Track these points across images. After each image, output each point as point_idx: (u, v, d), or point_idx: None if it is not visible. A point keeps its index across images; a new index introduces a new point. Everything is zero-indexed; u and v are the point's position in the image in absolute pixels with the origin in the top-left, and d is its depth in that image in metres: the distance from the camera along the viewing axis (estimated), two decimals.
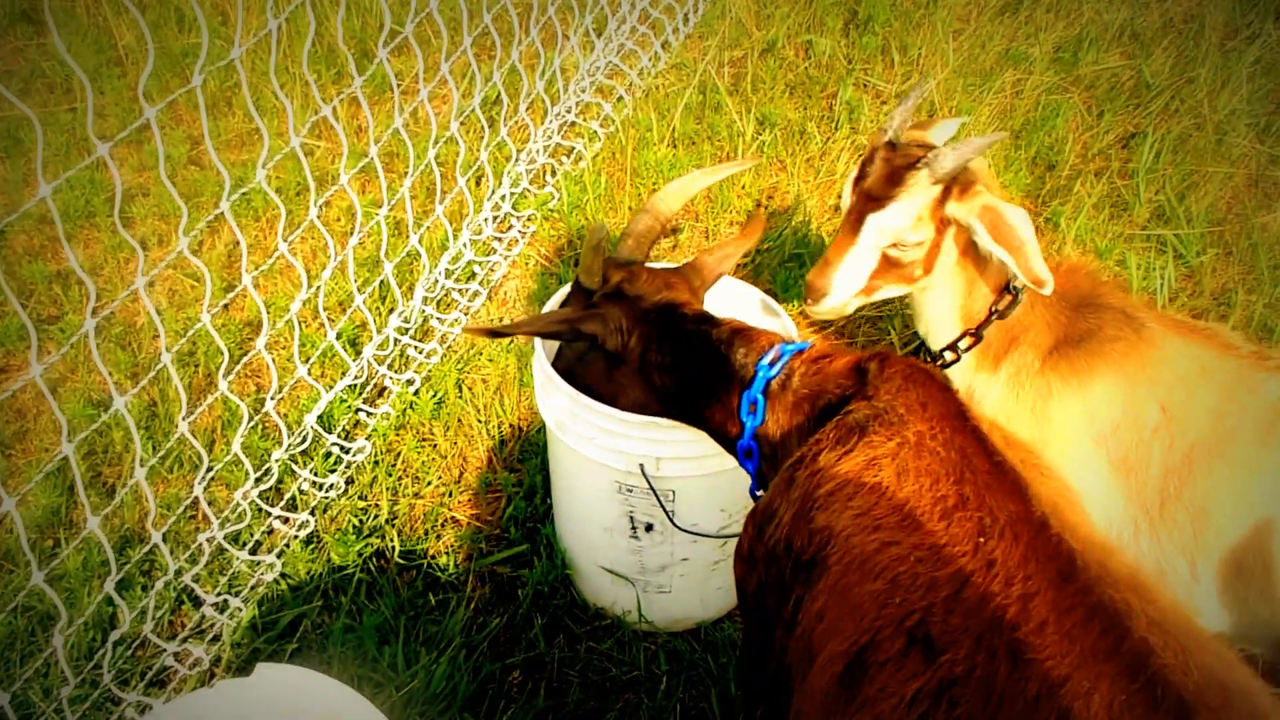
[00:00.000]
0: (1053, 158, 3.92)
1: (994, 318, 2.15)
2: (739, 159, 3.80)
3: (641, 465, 2.21)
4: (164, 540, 2.58)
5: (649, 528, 2.39)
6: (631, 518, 2.37)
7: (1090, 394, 2.03)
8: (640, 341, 1.98)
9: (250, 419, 2.48)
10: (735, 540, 2.50)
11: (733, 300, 2.53)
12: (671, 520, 2.31)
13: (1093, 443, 2.04)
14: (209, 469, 2.50)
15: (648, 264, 2.18)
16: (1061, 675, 1.20)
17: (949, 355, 2.23)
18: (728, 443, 1.86)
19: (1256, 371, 1.94)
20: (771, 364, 1.72)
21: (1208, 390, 1.95)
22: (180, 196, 3.92)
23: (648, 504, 2.32)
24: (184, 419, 2.26)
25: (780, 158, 3.91)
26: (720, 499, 2.34)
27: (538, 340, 2.33)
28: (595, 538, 2.47)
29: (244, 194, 3.84)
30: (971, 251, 2.11)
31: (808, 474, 1.46)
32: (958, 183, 2.03)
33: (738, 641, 2.55)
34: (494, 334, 2.03)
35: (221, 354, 3.16)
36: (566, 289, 2.48)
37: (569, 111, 3.98)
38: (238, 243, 3.74)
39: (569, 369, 2.20)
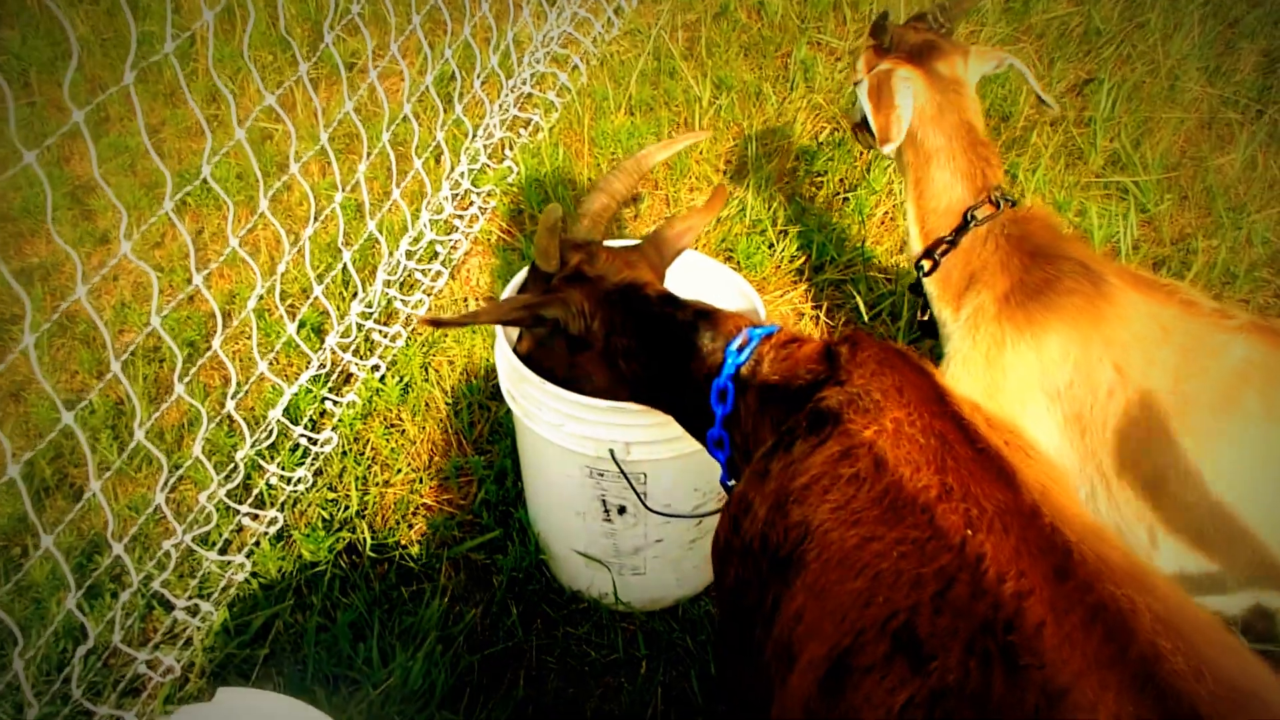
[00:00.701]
0: (1007, 108, 3.72)
1: (946, 244, 2.01)
2: (695, 129, 3.58)
3: (611, 450, 2.03)
4: (133, 544, 2.39)
5: (621, 510, 2.21)
6: (604, 501, 2.20)
7: (1044, 347, 1.87)
8: (603, 325, 1.79)
9: (210, 421, 2.27)
10: (710, 519, 2.36)
11: (696, 276, 2.35)
12: (644, 503, 2.14)
13: (1046, 398, 1.88)
14: (171, 474, 2.30)
15: (606, 242, 1.98)
16: (1062, 685, 1.03)
17: (922, 268, 2.09)
18: (698, 430, 1.69)
19: (1218, 333, 1.76)
20: (740, 349, 1.54)
21: (1167, 352, 1.78)
22: (140, 188, 3.68)
23: (619, 487, 2.15)
24: (140, 426, 2.05)
25: (737, 121, 3.69)
26: (693, 479, 2.17)
27: (498, 326, 2.13)
28: (568, 522, 2.30)
29: (204, 182, 3.59)
30: (912, 142, 2.05)
31: (781, 465, 1.29)
32: (900, 52, 2.03)
33: (715, 616, 2.40)
34: (450, 324, 1.85)
35: (184, 352, 2.95)
36: (526, 271, 2.28)
37: (524, 84, 3.73)
38: (201, 230, 3.50)
39: (532, 355, 2.02)
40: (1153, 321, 1.80)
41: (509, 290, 2.19)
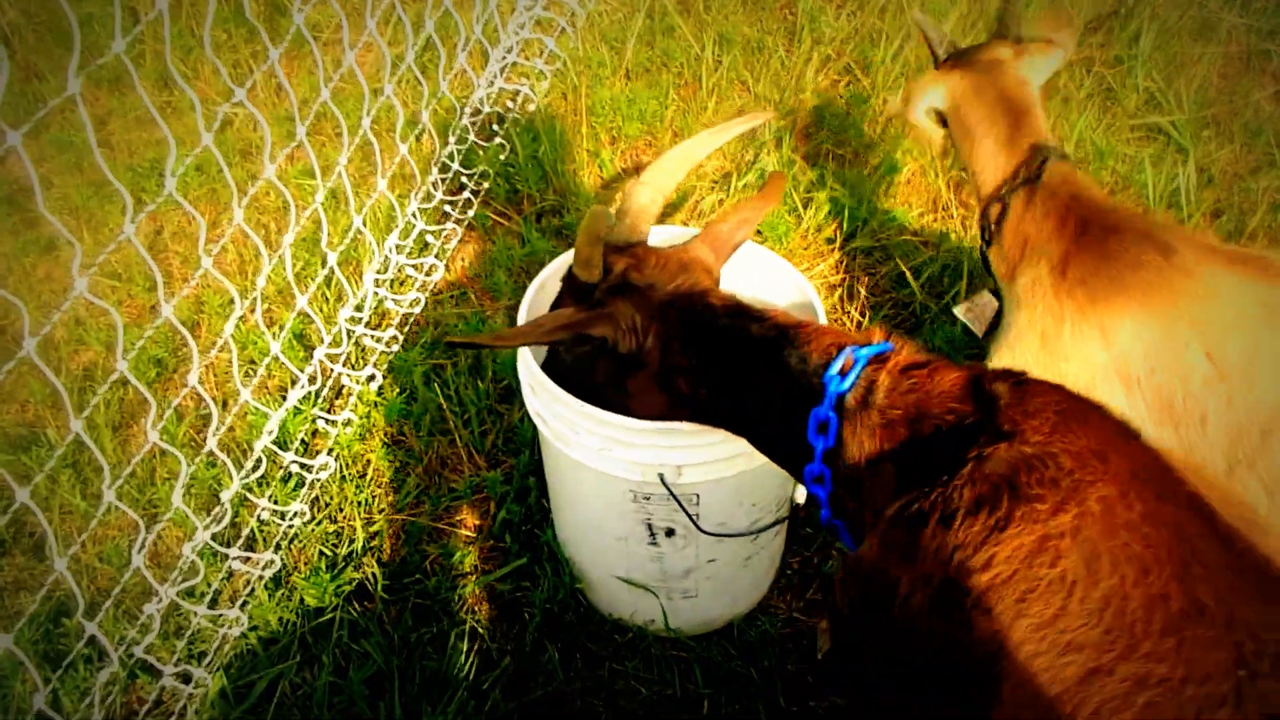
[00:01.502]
0: None
1: (999, 206, 1.87)
2: (704, 91, 3.22)
3: (661, 474, 1.71)
4: (112, 606, 2.04)
5: (670, 533, 1.90)
6: (649, 525, 1.88)
7: (1113, 328, 1.64)
8: (659, 342, 1.47)
9: (191, 464, 1.91)
10: (768, 532, 2.05)
11: (735, 269, 2.01)
12: (697, 525, 1.83)
13: (1123, 385, 1.65)
14: (149, 529, 1.95)
15: (649, 245, 1.65)
16: None
17: (987, 243, 1.94)
18: (787, 460, 1.37)
19: None
20: (843, 373, 1.23)
21: (1273, 336, 1.53)
22: (89, 187, 3.27)
23: (668, 510, 1.83)
24: (110, 487, 1.70)
25: (743, 79, 3.33)
26: (749, 494, 1.86)
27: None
28: (608, 547, 1.99)
29: (161, 177, 3.19)
30: (959, 124, 1.99)
31: (939, 543, 0.96)
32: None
33: (776, 637, 2.10)
34: (478, 346, 1.52)
35: (151, 373, 2.58)
36: (553, 268, 1.94)
37: (509, 52, 3.34)
38: (160, 230, 3.11)
39: (566, 373, 1.69)
40: (1248, 300, 1.55)
41: (527, 299, 1.85)
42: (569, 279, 1.63)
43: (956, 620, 0.89)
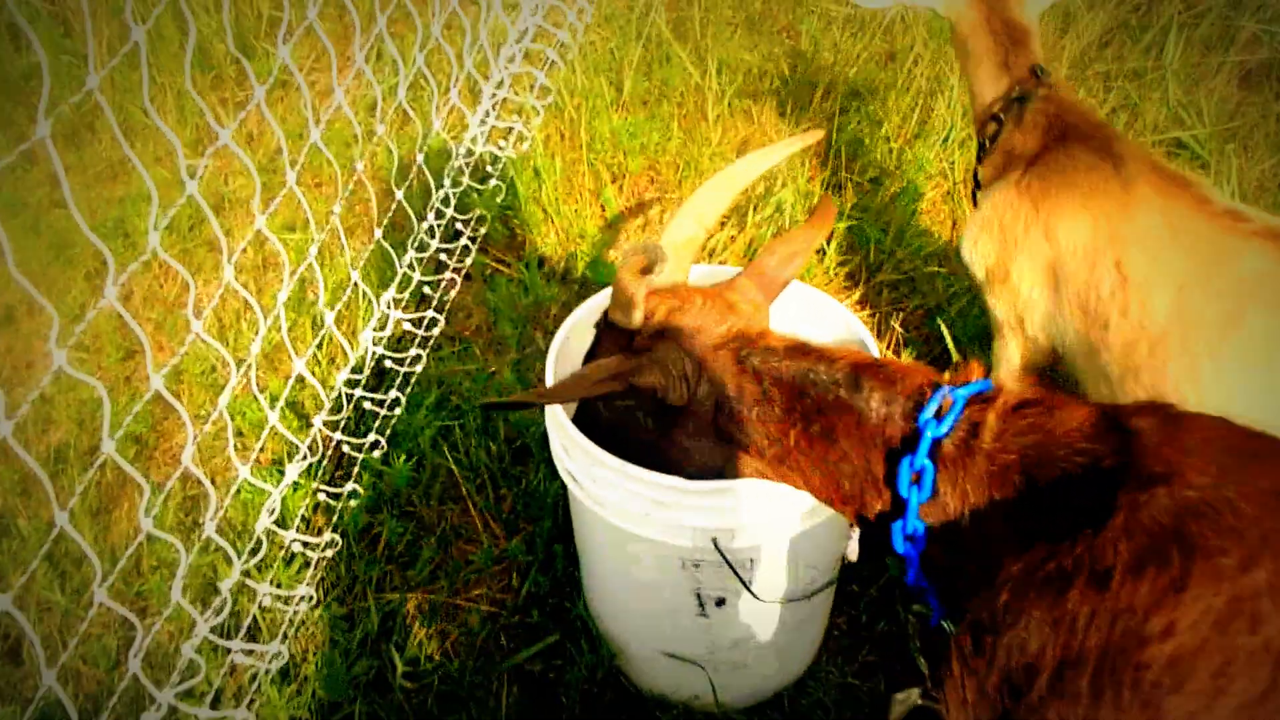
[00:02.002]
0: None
1: (995, 123, 2.07)
2: (707, 119, 3.22)
3: (715, 540, 1.67)
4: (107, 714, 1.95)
5: (720, 602, 1.85)
6: (699, 594, 1.83)
7: (1055, 226, 1.88)
8: (713, 390, 1.42)
9: (189, 556, 1.84)
10: (823, 593, 2.00)
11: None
12: (752, 592, 1.78)
13: (1057, 282, 1.90)
14: (144, 620, 1.87)
15: (690, 284, 1.61)
16: None
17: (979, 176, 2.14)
18: (869, 519, 1.32)
19: (1228, 238, 1.68)
20: (939, 415, 1.18)
21: (1173, 255, 1.72)
22: (49, 251, 3.20)
23: (720, 577, 1.78)
24: (100, 586, 1.62)
25: (745, 107, 3.34)
26: (806, 555, 1.81)
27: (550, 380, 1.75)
28: (651, 619, 1.93)
29: (136, 241, 3.13)
30: (962, 50, 2.15)
31: (1097, 610, 0.89)
32: None
33: (831, 705, 2.05)
34: (515, 407, 1.47)
35: (131, 450, 2.50)
36: (578, 316, 1.89)
37: (499, 87, 3.33)
38: (130, 295, 3.05)
39: (602, 428, 1.64)
40: (1161, 218, 1.75)
41: (553, 353, 1.81)
42: (605, 325, 1.58)
43: (1132, 702, 0.84)
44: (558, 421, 1.71)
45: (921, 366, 1.28)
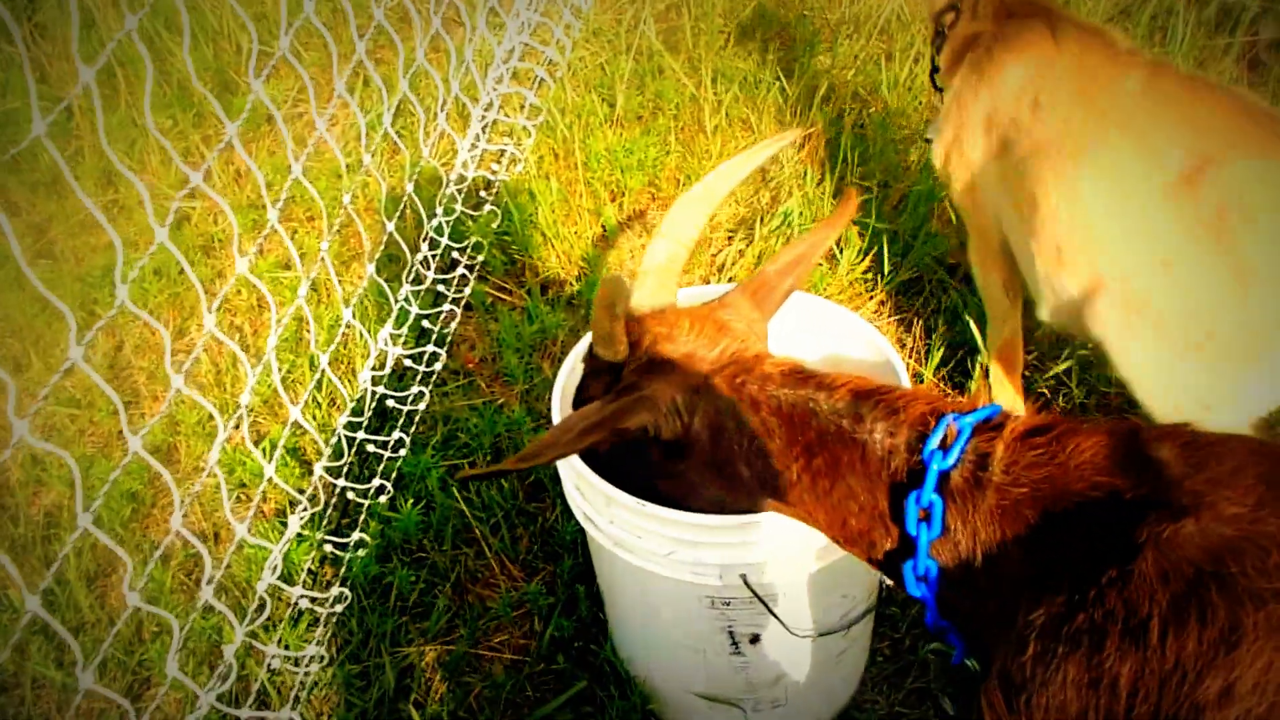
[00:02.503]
0: None
1: (952, 11, 2.18)
2: (705, 131, 3.13)
3: (744, 575, 1.57)
4: None
5: (755, 639, 1.75)
6: (731, 632, 1.73)
7: (995, 80, 2.03)
8: (706, 422, 1.32)
9: (184, 625, 1.75)
10: (861, 621, 1.90)
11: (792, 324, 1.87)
12: (787, 628, 1.68)
13: (990, 122, 2.05)
14: (144, 695, 1.77)
15: (678, 305, 1.53)
16: None
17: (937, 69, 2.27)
18: (879, 559, 1.23)
19: (1118, 67, 1.86)
20: (944, 446, 1.08)
21: (1073, 84, 1.90)
22: (33, 302, 3.12)
23: (751, 614, 1.68)
24: (86, 669, 1.53)
25: (744, 117, 3.26)
26: (841, 584, 1.72)
27: (556, 413, 1.66)
28: (683, 661, 1.83)
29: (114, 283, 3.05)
30: None
31: (1139, 671, 0.80)
32: None
33: None
34: (514, 469, 1.37)
35: (126, 510, 2.41)
36: (580, 349, 1.81)
37: (488, 109, 3.25)
38: (120, 346, 2.96)
39: (615, 459, 1.55)
40: (1075, 59, 1.93)
41: (557, 389, 1.72)
42: (590, 360, 1.49)
43: None
44: (570, 462, 1.61)
45: (925, 392, 1.19)
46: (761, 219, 2.81)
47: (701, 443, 1.34)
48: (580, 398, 1.55)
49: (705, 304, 1.50)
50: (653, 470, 1.46)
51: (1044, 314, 1.96)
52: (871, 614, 1.94)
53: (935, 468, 1.08)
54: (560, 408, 1.68)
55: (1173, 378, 1.73)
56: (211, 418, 2.58)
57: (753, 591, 1.59)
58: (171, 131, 3.63)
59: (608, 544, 1.62)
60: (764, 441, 1.27)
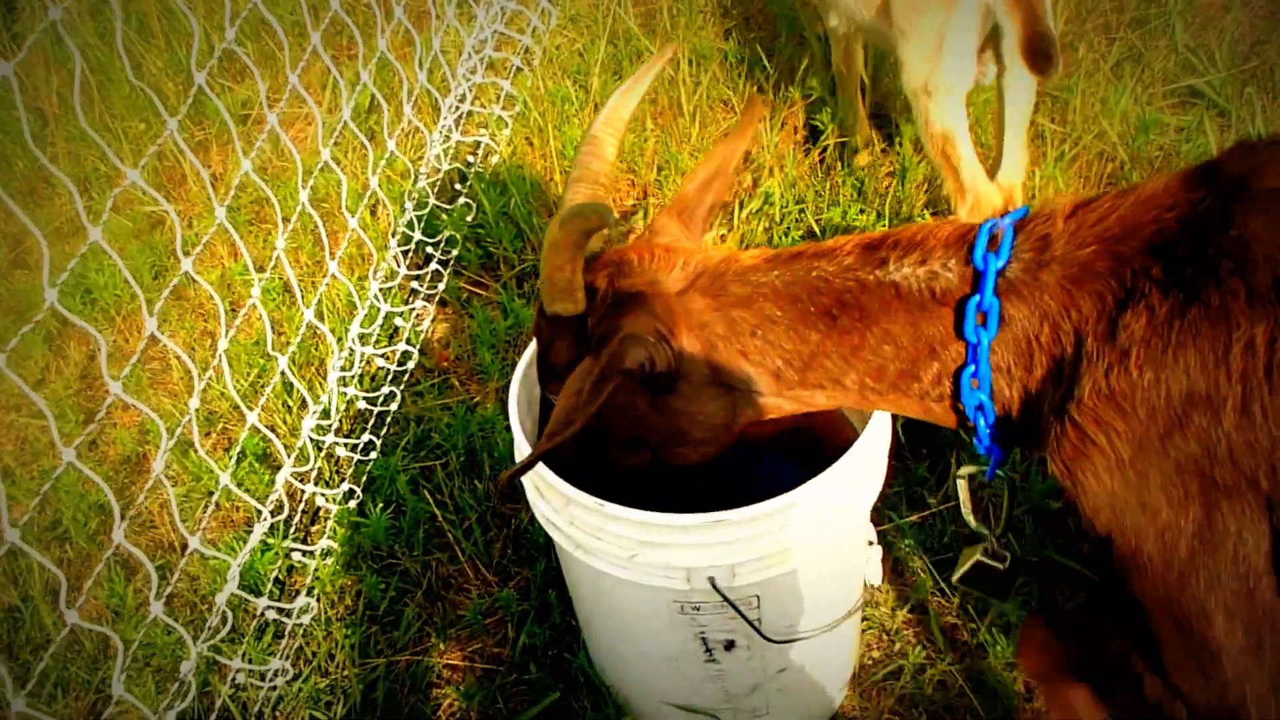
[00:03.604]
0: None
1: None
2: (685, 113, 3.02)
3: (712, 579, 1.47)
4: None
5: (729, 645, 1.65)
6: (704, 639, 1.63)
7: None
8: (698, 337, 1.30)
9: (126, 652, 1.66)
10: (845, 624, 1.79)
11: None
12: (760, 633, 1.58)
13: None
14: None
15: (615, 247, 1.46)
16: None
17: None
18: (913, 401, 1.26)
19: None
20: (992, 250, 1.12)
21: None
22: (5, 313, 3.06)
23: (723, 619, 1.58)
24: (17, 698, 1.45)
25: (725, 98, 3.14)
26: (819, 586, 1.62)
27: (515, 427, 1.56)
28: (655, 670, 1.74)
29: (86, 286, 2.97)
30: None
31: (1270, 324, 0.90)
32: None
33: None
34: (529, 467, 1.30)
35: (93, 523, 2.33)
36: (530, 353, 1.69)
37: (462, 100, 3.15)
38: (93, 356, 2.89)
39: (581, 459, 1.46)
40: None
41: (515, 383, 1.62)
42: (545, 326, 1.40)
43: None
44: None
45: (936, 223, 1.21)
46: (742, 202, 2.69)
47: (696, 362, 1.31)
48: (546, 371, 1.46)
49: (637, 239, 1.45)
50: (645, 423, 1.39)
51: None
52: (857, 616, 1.83)
53: (993, 268, 1.11)
54: (517, 398, 1.59)
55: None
56: (179, 427, 2.50)
57: (722, 595, 1.49)
58: (146, 135, 3.55)
59: (569, 547, 1.53)
60: (767, 330, 1.27)
